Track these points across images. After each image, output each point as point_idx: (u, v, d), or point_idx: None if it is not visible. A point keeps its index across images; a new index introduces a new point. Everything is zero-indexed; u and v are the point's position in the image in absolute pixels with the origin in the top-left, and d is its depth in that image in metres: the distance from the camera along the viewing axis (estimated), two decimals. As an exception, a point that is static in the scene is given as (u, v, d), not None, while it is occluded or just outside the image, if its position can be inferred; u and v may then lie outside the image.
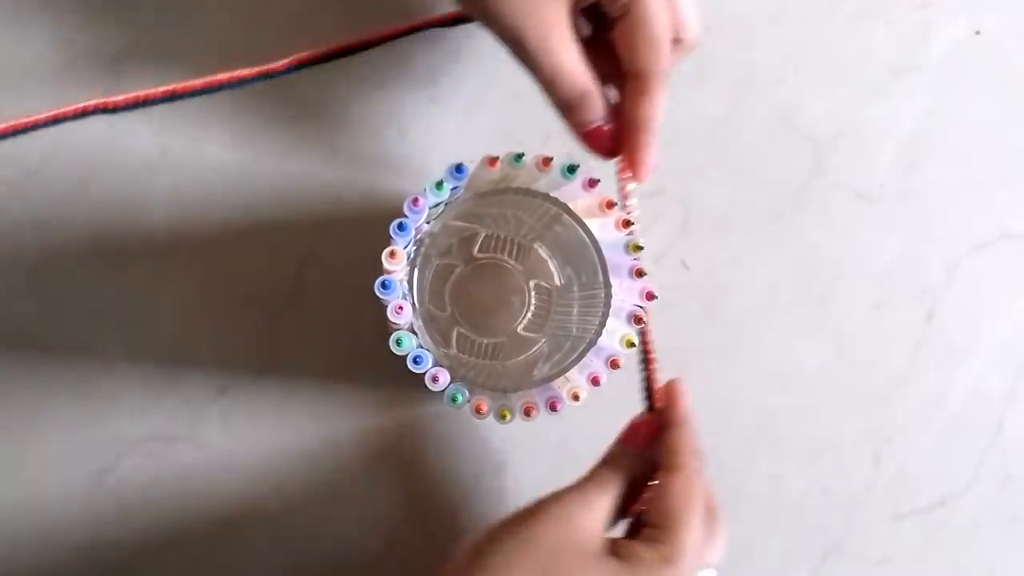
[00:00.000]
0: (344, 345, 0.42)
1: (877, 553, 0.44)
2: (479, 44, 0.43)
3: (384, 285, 0.32)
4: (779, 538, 0.43)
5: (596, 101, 0.34)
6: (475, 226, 0.35)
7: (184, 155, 0.42)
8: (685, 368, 0.43)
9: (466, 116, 0.43)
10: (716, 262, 0.44)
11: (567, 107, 0.34)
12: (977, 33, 0.45)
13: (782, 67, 0.45)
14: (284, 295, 0.42)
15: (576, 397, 0.33)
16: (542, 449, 0.43)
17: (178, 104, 0.42)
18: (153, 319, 0.42)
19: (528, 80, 0.44)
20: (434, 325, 0.34)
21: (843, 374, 0.44)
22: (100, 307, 0.41)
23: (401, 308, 0.32)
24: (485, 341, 0.35)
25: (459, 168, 0.32)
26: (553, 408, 0.33)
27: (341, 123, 0.43)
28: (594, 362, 0.34)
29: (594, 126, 0.34)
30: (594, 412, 0.43)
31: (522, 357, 0.35)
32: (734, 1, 0.45)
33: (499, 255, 0.36)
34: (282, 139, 0.43)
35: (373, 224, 0.39)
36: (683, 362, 0.43)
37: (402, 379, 0.39)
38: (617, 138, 0.35)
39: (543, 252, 0.36)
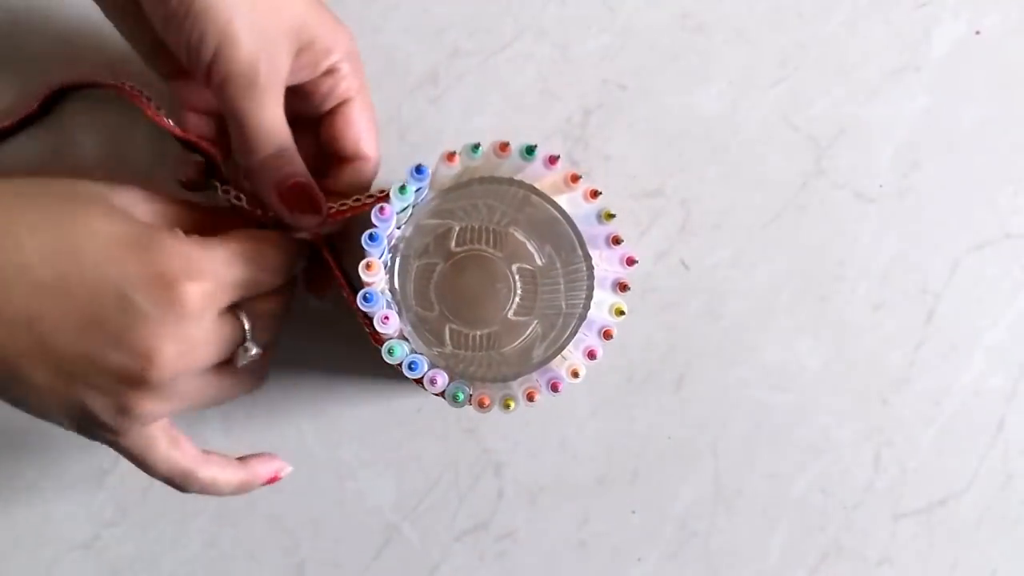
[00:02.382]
0: (344, 345, 0.42)
1: (877, 553, 0.44)
2: (479, 44, 0.44)
3: (366, 298, 0.32)
4: (779, 538, 0.43)
5: (297, 156, 0.35)
6: (448, 221, 0.35)
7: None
8: (685, 368, 0.43)
9: (466, 116, 0.43)
10: (716, 262, 0.44)
11: (268, 159, 0.34)
12: (977, 33, 0.45)
13: (782, 67, 0.45)
14: (284, 295, 0.42)
15: (576, 374, 0.33)
16: (542, 449, 0.43)
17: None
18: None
19: (528, 80, 0.44)
20: (425, 326, 0.34)
21: (843, 374, 0.44)
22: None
23: (387, 318, 0.32)
24: (478, 332, 0.35)
25: (419, 169, 0.32)
26: (555, 389, 0.33)
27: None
28: (588, 336, 0.34)
29: (296, 180, 0.35)
30: (594, 412, 0.43)
31: (518, 342, 0.35)
32: (733, 1, 0.45)
33: (477, 245, 0.36)
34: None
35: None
36: (683, 362, 0.44)
37: (402, 378, 0.39)
38: (316, 196, 0.35)
39: (519, 235, 0.35)
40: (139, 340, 0.29)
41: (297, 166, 0.35)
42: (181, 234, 0.32)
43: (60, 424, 0.32)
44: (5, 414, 0.41)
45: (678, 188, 0.44)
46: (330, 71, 0.36)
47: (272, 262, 0.33)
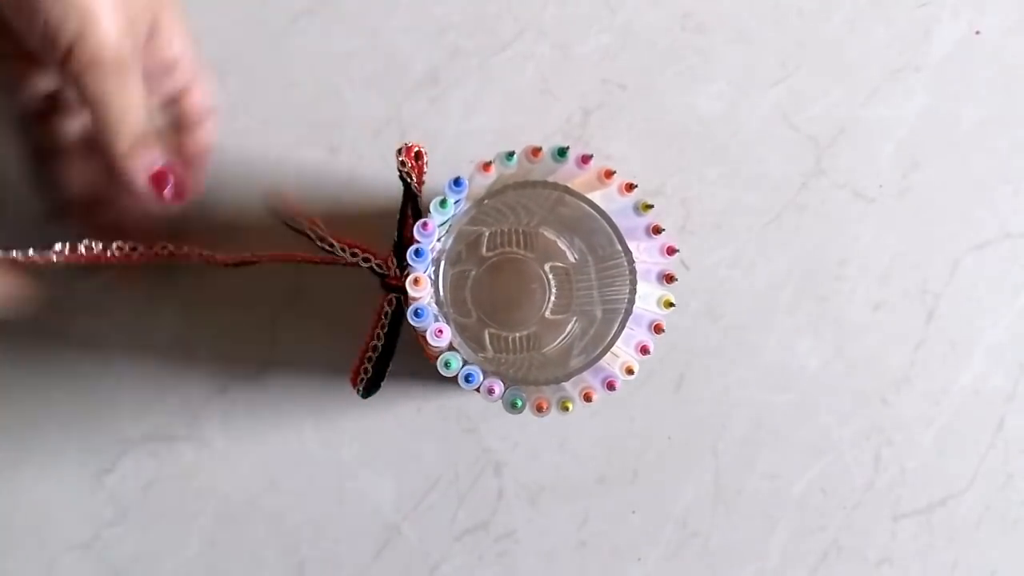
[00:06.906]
0: (344, 345, 0.42)
1: (877, 553, 0.44)
2: (479, 44, 0.44)
3: (417, 313, 0.31)
4: (779, 538, 0.43)
5: (156, 140, 0.34)
6: (478, 227, 0.35)
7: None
8: (685, 368, 0.43)
9: (466, 116, 0.43)
10: (716, 262, 0.44)
11: (137, 145, 0.34)
12: (977, 33, 0.45)
13: (782, 67, 0.45)
14: (284, 295, 0.42)
15: (630, 371, 0.32)
16: (542, 449, 0.43)
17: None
18: (153, 318, 0.42)
19: (528, 80, 0.44)
20: (465, 333, 0.34)
21: (843, 374, 0.44)
22: (100, 306, 0.41)
23: (441, 331, 0.31)
24: (517, 335, 0.35)
25: (457, 182, 0.32)
26: (611, 387, 0.32)
27: (342, 123, 0.43)
28: (637, 331, 0.33)
29: (159, 167, 0.34)
30: (594, 412, 0.43)
31: (558, 341, 0.35)
32: (733, 1, 0.45)
33: (508, 248, 0.36)
34: (283, 138, 0.43)
35: (373, 223, 0.39)
36: (683, 362, 0.44)
37: (401, 378, 0.39)
38: (184, 180, 0.35)
39: (549, 234, 0.35)
40: None
41: (159, 147, 0.34)
42: None
43: None
44: (5, 414, 0.41)
45: (678, 188, 0.44)
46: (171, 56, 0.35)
47: None
